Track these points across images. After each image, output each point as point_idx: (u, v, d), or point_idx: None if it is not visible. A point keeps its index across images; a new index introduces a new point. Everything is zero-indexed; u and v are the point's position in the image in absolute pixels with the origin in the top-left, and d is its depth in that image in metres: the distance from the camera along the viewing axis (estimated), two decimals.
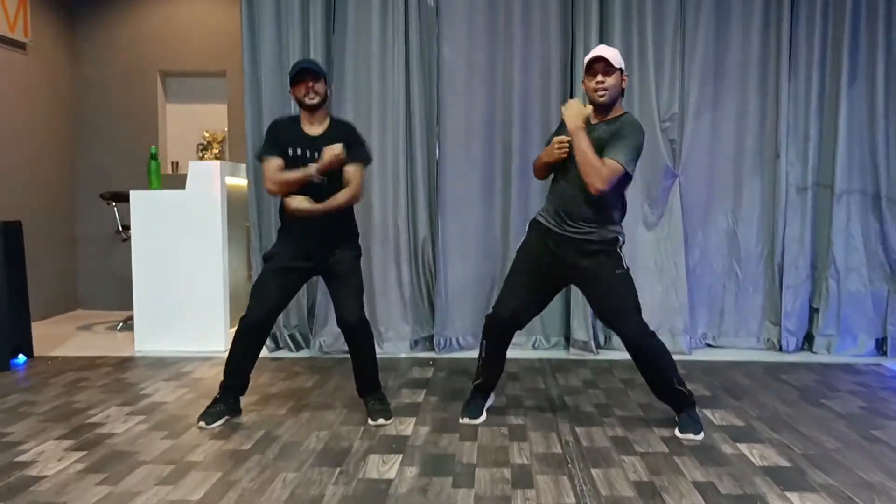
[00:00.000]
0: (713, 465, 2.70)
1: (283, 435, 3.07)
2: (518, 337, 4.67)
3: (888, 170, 4.55)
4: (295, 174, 3.16)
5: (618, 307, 3.04)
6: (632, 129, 2.99)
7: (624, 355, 4.46)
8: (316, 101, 3.17)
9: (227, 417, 3.26)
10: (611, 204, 3.05)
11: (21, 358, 4.42)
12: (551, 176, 3.19)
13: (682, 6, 4.58)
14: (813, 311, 4.67)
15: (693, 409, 3.10)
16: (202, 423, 3.19)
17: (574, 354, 4.57)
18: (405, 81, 4.65)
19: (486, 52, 4.66)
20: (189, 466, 2.73)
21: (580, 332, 4.60)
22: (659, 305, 4.58)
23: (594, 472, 2.65)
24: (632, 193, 4.55)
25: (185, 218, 4.69)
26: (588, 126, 2.99)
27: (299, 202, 3.15)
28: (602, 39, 4.58)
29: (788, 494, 2.44)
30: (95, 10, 6.43)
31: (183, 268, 4.67)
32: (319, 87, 3.17)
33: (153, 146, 5.16)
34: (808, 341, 4.68)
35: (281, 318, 4.71)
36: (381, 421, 3.20)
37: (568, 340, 4.69)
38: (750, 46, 4.62)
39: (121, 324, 5.63)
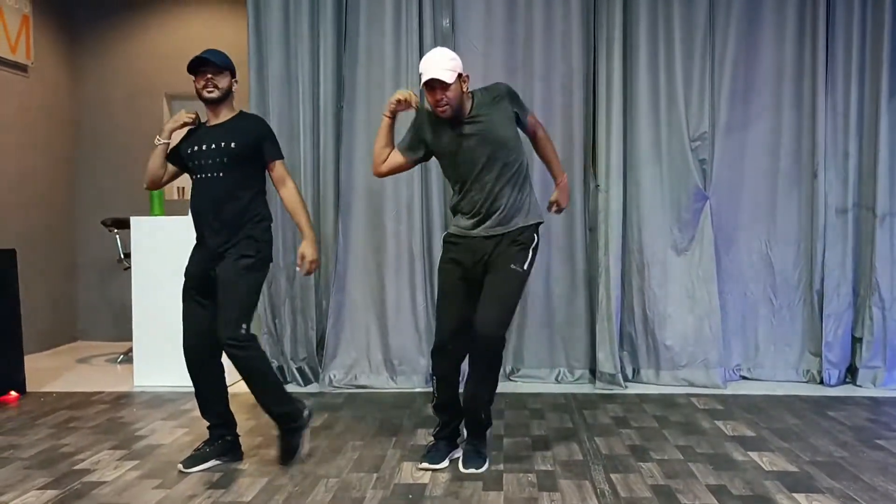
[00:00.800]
0: None
1: (286, 484, 2.79)
2: (540, 370, 4.45)
3: None
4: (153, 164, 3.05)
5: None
6: (494, 89, 2.95)
7: (654, 389, 4.22)
8: (215, 94, 2.93)
9: (214, 461, 2.99)
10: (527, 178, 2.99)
11: (13, 395, 4.17)
12: None
13: (711, 17, 4.34)
14: (856, 341, 4.36)
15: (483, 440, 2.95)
16: (180, 467, 2.93)
17: (601, 388, 4.26)
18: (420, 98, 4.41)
19: (504, 68, 4.43)
20: None
21: (607, 364, 4.30)
22: (691, 336, 4.29)
23: None
24: (660, 216, 4.34)
25: (189, 245, 4.43)
26: (454, 126, 2.87)
27: None
28: (626, 54, 4.36)
29: None
30: (99, 32, 6.27)
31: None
32: (222, 81, 2.93)
33: None
34: (850, 374, 4.37)
35: (288, 349, 4.46)
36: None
37: (593, 373, 4.39)
38: (783, 59, 4.37)
39: (121, 356, 5.37)
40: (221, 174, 2.92)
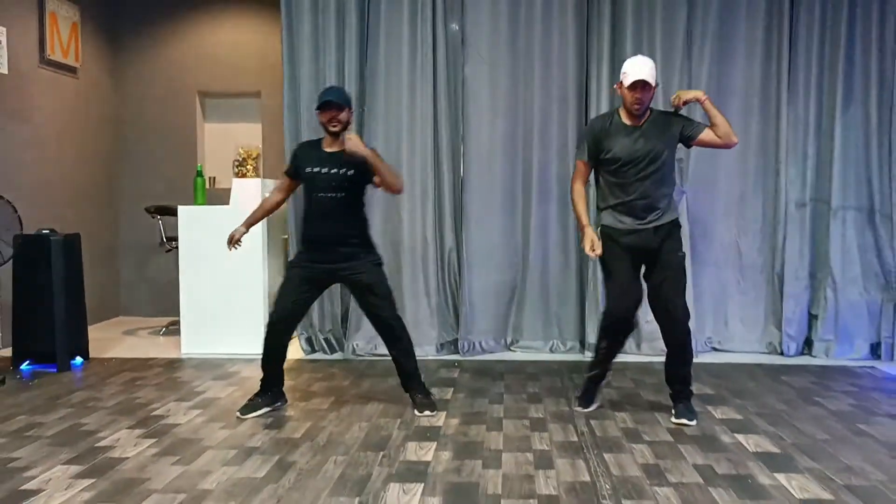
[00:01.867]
0: (712, 453, 3.04)
1: (327, 426, 3.44)
2: (536, 341, 5.09)
3: (881, 187, 4.88)
4: (253, 217, 3.82)
5: (675, 284, 3.42)
6: (677, 113, 3.50)
7: (634, 358, 4.86)
8: (338, 128, 3.52)
9: (266, 409, 3.64)
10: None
11: (78, 360, 4.82)
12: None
13: (688, 37, 4.95)
14: (812, 318, 5.00)
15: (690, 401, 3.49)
16: (238, 414, 3.58)
17: (589, 357, 4.90)
18: (433, 103, 5.03)
19: (508, 78, 5.04)
20: (248, 451, 3.10)
21: (594, 336, 4.93)
22: None
23: (608, 457, 2.99)
24: None
25: (229, 231, 5.07)
26: (620, 127, 3.42)
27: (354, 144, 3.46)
28: (613, 68, 4.95)
29: (776, 475, 2.78)
30: (138, 36, 6.87)
31: (226, 276, 5.06)
32: (343, 115, 3.52)
33: (199, 164, 5.56)
34: (808, 346, 5.00)
35: (316, 322, 5.11)
36: (426, 412, 3.57)
37: (583, 344, 5.04)
38: (752, 72, 4.97)
39: (163, 329, 6.03)
40: (342, 195, 3.53)
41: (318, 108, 3.55)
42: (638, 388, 4.14)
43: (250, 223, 3.82)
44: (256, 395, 3.71)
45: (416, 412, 3.60)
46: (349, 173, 3.52)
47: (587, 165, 3.53)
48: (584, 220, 3.51)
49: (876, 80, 4.86)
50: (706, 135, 3.45)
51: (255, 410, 3.63)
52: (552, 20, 5.00)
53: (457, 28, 5.08)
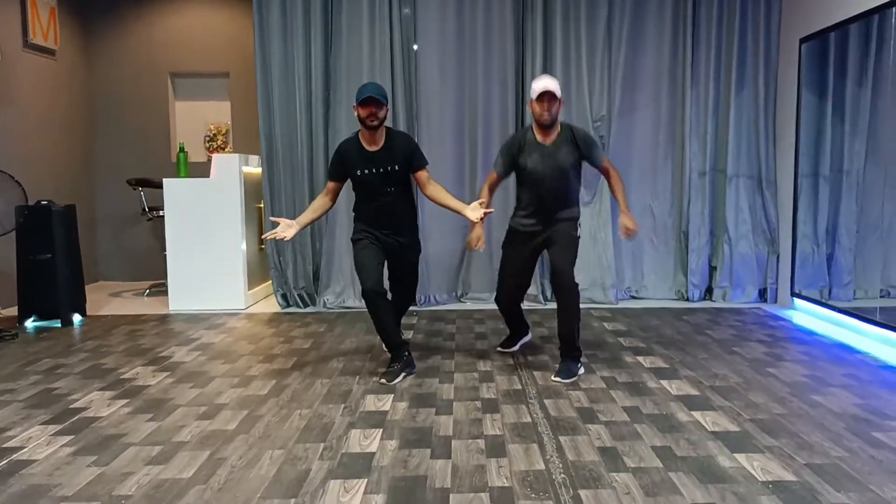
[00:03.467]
0: (616, 369, 3.91)
1: (310, 362, 4.20)
2: (481, 293, 5.91)
3: (766, 158, 5.81)
4: (303, 220, 3.84)
5: (567, 258, 3.87)
6: (586, 134, 3.91)
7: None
8: (376, 123, 3.66)
9: (405, 374, 3.79)
10: (577, 192, 4.03)
11: (78, 317, 5.44)
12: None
13: (608, 31, 5.76)
14: (712, 269, 5.94)
15: (576, 363, 3.86)
16: (383, 381, 3.69)
17: (526, 305, 5.74)
18: (391, 85, 5.74)
19: (455, 62, 5.77)
20: (249, 379, 3.84)
21: (532, 287, 5.79)
22: (593, 264, 5.80)
23: (536, 374, 3.83)
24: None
25: (210, 200, 5.74)
26: (533, 145, 3.82)
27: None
28: (546, 57, 5.75)
29: (663, 382, 3.66)
30: (111, 18, 7.35)
31: (208, 241, 5.72)
32: (382, 112, 3.66)
33: (181, 142, 6.17)
34: (709, 292, 5.95)
35: (291, 280, 5.83)
36: (383, 381, 3.71)
37: None
38: (662, 60, 5.82)
39: (147, 290, 6.65)
40: (391, 189, 3.76)
41: (359, 103, 3.61)
42: None
43: (303, 224, 3.82)
44: (392, 362, 3.82)
45: (383, 380, 3.75)
46: (396, 168, 3.73)
47: (498, 178, 4.00)
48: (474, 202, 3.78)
49: (762, 68, 5.75)
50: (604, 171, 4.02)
51: (396, 376, 3.72)
52: (492, 9, 5.74)
53: (409, 12, 5.77)
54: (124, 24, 7.36)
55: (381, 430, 3.04)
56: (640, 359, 4.12)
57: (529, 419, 3.15)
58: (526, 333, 4.42)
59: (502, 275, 4.10)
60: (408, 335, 4.80)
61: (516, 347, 4.38)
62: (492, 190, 4.08)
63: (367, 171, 3.76)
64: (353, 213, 3.96)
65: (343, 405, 3.37)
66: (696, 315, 5.38)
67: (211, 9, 7.37)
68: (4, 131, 6.02)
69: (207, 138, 7.55)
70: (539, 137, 3.84)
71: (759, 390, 3.51)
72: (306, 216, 3.88)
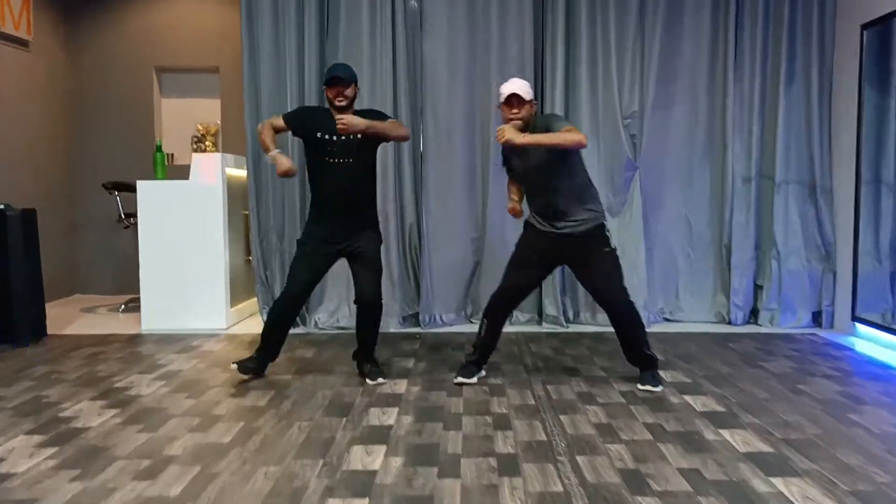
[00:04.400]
0: (662, 412, 3.21)
1: (292, 394, 3.52)
2: None
3: (821, 162, 5.10)
4: (267, 141, 3.58)
5: (609, 277, 3.56)
6: (551, 115, 3.73)
7: (590, 328, 5.03)
8: (345, 103, 3.58)
9: (251, 375, 3.75)
10: (585, 190, 3.58)
11: (36, 336, 4.78)
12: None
13: (640, 17, 5.08)
14: (757, 288, 5.22)
15: (656, 370, 3.63)
16: (234, 366, 3.73)
17: (546, 328, 5.07)
18: (392, 78, 5.08)
19: (467, 53, 5.12)
20: (214, 419, 3.16)
21: (551, 307, 5.11)
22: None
23: (563, 419, 3.13)
24: (597, 183, 5.10)
25: (189, 206, 5.08)
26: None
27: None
28: (568, 46, 5.08)
29: (721, 431, 2.95)
30: (93, 8, 6.75)
31: (186, 252, 5.06)
32: (349, 91, 3.59)
33: (158, 139, 5.53)
34: (753, 315, 5.23)
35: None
36: (379, 380, 3.66)
37: (540, 315, 5.18)
38: (700, 53, 5.14)
39: (122, 306, 6.00)
40: (351, 160, 3.56)
41: (326, 83, 3.60)
42: (593, 354, 4.30)
43: (273, 144, 3.61)
44: (253, 358, 3.78)
45: (367, 381, 3.69)
46: (359, 137, 3.54)
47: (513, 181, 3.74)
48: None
49: (816, 60, 5.06)
50: None
51: (246, 372, 3.73)
52: (508, 3, 5.08)
53: (416, 4, 5.12)
54: (107, 14, 6.76)
55: (368, 500, 2.35)
56: (689, 399, 3.41)
57: (560, 487, 2.45)
58: (486, 362, 3.81)
59: (507, 269, 3.72)
60: (408, 364, 4.10)
61: (474, 380, 3.69)
62: (517, 188, 3.75)
63: (327, 137, 3.57)
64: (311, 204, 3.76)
65: (321, 461, 2.68)
66: (742, 342, 4.66)
67: (200, 0, 6.77)
68: None
69: (195, 139, 6.91)
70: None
71: (847, 446, 2.79)
72: (270, 135, 3.63)
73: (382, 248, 5.04)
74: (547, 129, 3.43)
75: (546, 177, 3.51)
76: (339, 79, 3.57)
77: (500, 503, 2.29)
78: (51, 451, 2.78)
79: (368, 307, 3.69)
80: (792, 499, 2.32)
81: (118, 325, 5.36)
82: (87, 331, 5.14)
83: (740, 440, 2.85)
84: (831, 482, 2.45)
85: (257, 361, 3.78)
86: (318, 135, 3.60)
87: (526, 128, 3.47)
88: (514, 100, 3.45)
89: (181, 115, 6.93)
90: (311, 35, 5.07)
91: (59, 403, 3.38)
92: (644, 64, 5.12)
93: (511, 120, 3.44)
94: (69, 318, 5.64)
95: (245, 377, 3.74)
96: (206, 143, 6.90)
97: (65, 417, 3.17)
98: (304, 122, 3.67)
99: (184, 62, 6.78)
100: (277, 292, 5.11)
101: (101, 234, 6.84)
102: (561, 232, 3.53)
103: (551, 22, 5.08)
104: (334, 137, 3.57)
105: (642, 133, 5.13)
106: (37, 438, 2.91)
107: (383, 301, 4.87)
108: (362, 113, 3.65)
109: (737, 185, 5.16)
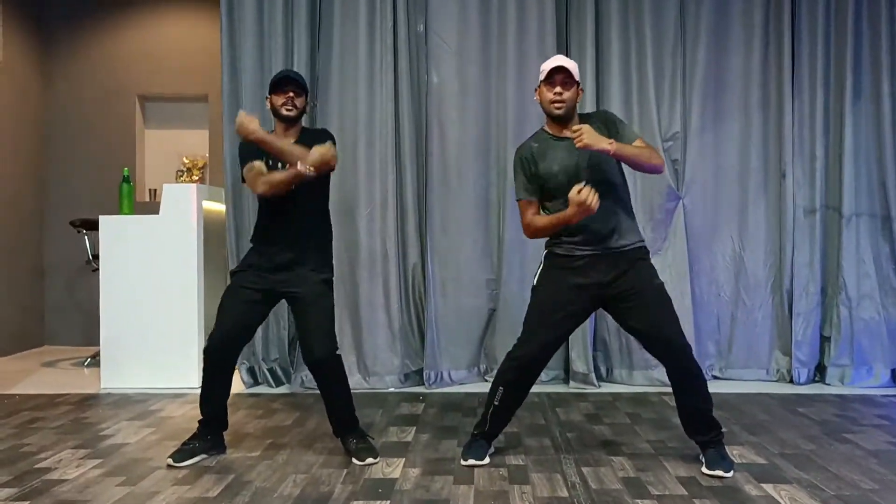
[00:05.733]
0: None
1: (255, 479, 2.75)
2: None
3: None
4: (284, 173, 2.87)
5: (665, 319, 2.79)
6: (609, 114, 2.97)
7: (627, 388, 4.24)
8: (293, 113, 2.99)
9: (203, 456, 2.97)
10: (629, 204, 2.91)
11: None
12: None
13: (681, 21, 4.41)
14: (824, 340, 4.41)
15: (722, 445, 2.82)
16: (170, 461, 2.90)
17: (574, 388, 4.27)
18: (394, 102, 4.42)
19: (479, 71, 4.45)
20: None
21: (580, 363, 4.32)
22: None
23: None
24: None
25: (159, 245, 4.39)
26: (547, 141, 2.86)
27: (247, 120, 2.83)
28: (598, 58, 4.41)
29: None
30: (70, 30, 6.20)
31: (155, 298, 4.35)
32: (300, 101, 3.00)
33: (125, 168, 4.87)
34: (819, 372, 4.42)
35: (260, 351, 4.42)
36: (368, 460, 2.89)
37: (567, 373, 4.40)
38: (751, 63, 4.44)
39: (88, 359, 5.29)
40: (297, 194, 2.91)
41: (272, 89, 3.00)
42: (634, 423, 3.50)
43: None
44: (193, 437, 3.03)
45: (354, 460, 2.92)
46: (311, 170, 2.85)
47: (532, 203, 2.88)
48: (559, 215, 2.77)
49: (888, 72, 4.35)
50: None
51: (191, 457, 2.94)
52: (527, 6, 4.43)
53: (422, 29, 4.48)
54: (87, 37, 6.20)
55: None
56: (769, 489, 2.59)
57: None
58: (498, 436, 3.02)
59: (532, 322, 2.87)
60: (407, 435, 3.32)
61: (486, 460, 2.90)
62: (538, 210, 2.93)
63: (271, 163, 2.93)
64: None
65: None
66: (815, 407, 3.83)
67: (188, 23, 6.20)
68: None
69: (181, 173, 6.27)
70: (555, 132, 2.87)
71: None
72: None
73: (381, 293, 4.37)
74: (614, 127, 2.84)
75: (608, 188, 2.76)
76: (289, 79, 2.99)
77: None
78: None
79: (317, 367, 2.95)
80: None
81: (76, 382, 4.63)
82: (38, 389, 4.42)
83: None
84: None
85: (201, 437, 3.01)
86: (270, 162, 2.95)
87: (569, 118, 2.83)
88: (558, 75, 2.76)
89: (165, 147, 6.31)
90: (300, 53, 4.42)
91: None
92: (686, 77, 4.41)
93: (553, 102, 2.79)
94: (23, 373, 4.93)
95: (194, 462, 2.95)
96: (193, 176, 6.26)
97: None
98: (259, 151, 2.96)
99: (169, 90, 6.19)
100: (259, 346, 4.41)
101: (72, 278, 6.17)
102: (615, 248, 2.79)
103: (577, 31, 4.41)
104: (279, 164, 2.93)
105: (685, 158, 4.41)
106: None
107: (381, 355, 4.12)
108: (309, 133, 3.09)
109: (798, 219, 4.39)
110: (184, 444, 2.99)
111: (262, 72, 4.45)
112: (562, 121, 2.84)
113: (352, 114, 4.40)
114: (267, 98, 3.04)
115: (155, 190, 6.22)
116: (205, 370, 3.00)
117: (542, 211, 2.90)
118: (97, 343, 5.74)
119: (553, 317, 2.83)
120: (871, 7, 4.38)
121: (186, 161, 6.27)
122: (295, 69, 4.38)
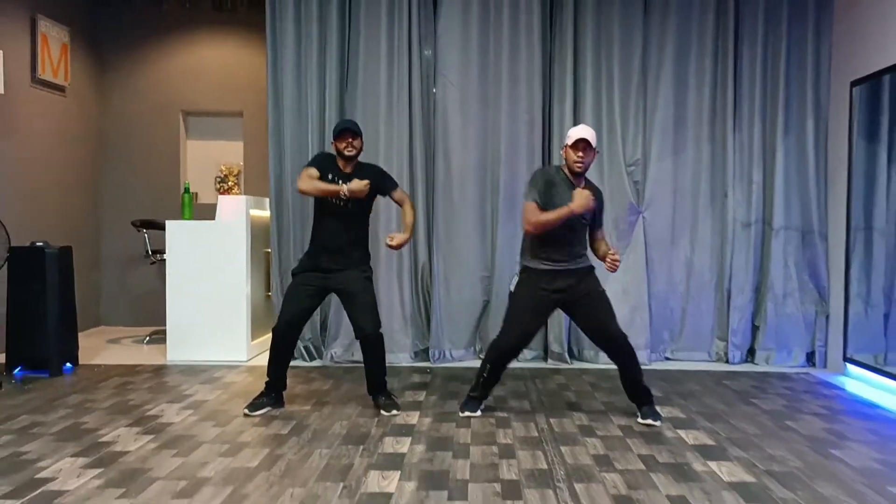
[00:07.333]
0: (655, 445, 3.43)
1: (312, 424, 3.76)
2: None
3: (818, 210, 5.35)
4: (325, 184, 3.89)
5: (607, 315, 3.85)
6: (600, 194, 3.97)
7: (593, 365, 5.26)
8: (353, 153, 3.97)
9: (268, 408, 3.97)
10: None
11: (68, 366, 5.06)
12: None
13: (643, 68, 5.40)
14: (755, 329, 5.44)
15: (652, 405, 3.86)
16: (246, 411, 3.91)
17: (551, 364, 5.31)
18: (408, 124, 5.40)
19: (478, 102, 5.43)
20: (240, 447, 3.41)
21: (556, 345, 5.35)
22: (625, 324, 5.28)
23: (563, 449, 3.36)
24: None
25: (214, 244, 5.39)
26: (564, 185, 3.80)
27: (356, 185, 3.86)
28: (576, 98, 5.40)
29: (711, 464, 3.17)
30: (124, 54, 7.14)
31: (211, 287, 5.34)
32: (357, 143, 3.97)
33: (186, 182, 5.85)
34: (750, 354, 5.44)
35: None
36: (393, 412, 3.91)
37: (546, 352, 5.42)
38: (702, 103, 5.43)
39: (147, 337, 6.27)
40: (350, 205, 3.92)
41: (336, 136, 3.96)
42: (594, 390, 4.53)
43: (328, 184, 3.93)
44: (261, 394, 4.02)
45: (382, 412, 3.93)
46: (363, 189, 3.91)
47: (539, 206, 3.74)
48: (561, 210, 3.66)
49: (812, 111, 5.34)
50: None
51: (260, 409, 3.95)
52: (519, 49, 5.40)
53: (429, 53, 5.47)
54: (138, 60, 7.16)
55: None
56: (682, 433, 3.63)
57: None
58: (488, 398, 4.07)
59: (514, 318, 3.90)
60: (419, 396, 4.35)
61: (478, 413, 3.94)
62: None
63: (338, 181, 3.92)
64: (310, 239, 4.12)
65: (342, 483, 2.92)
66: (738, 380, 4.87)
67: (226, 47, 7.16)
68: (6, 167, 5.75)
69: (218, 179, 7.26)
70: (571, 178, 3.84)
71: (827, 479, 3.00)
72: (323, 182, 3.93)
73: (396, 286, 5.39)
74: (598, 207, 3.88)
75: (584, 228, 3.84)
76: (348, 130, 3.94)
77: None
78: (95, 472, 3.03)
79: (369, 341, 3.95)
80: None
81: (143, 355, 5.63)
82: (115, 361, 5.41)
83: (726, 471, 3.07)
84: None
85: (268, 394, 4.01)
86: (330, 176, 3.95)
87: (584, 174, 3.83)
88: (582, 144, 3.72)
89: (205, 157, 7.28)
90: (331, 86, 5.40)
91: (97, 430, 3.64)
92: (647, 114, 5.42)
93: (577, 163, 3.74)
94: (97, 348, 5.92)
95: (263, 412, 3.95)
96: (229, 182, 7.24)
97: (104, 442, 3.43)
98: (321, 165, 4.02)
99: (209, 106, 7.15)
100: None
101: (124, 269, 7.15)
102: (576, 266, 3.81)
103: (559, 74, 5.40)
104: (339, 181, 3.92)
105: (646, 180, 5.41)
106: (81, 461, 3.17)
107: (396, 336, 5.12)
108: (366, 168, 4.05)
109: (737, 231, 5.41)
110: (254, 399, 4.01)
111: (299, 102, 5.43)
112: (578, 175, 3.82)
113: (373, 140, 5.39)
114: (332, 143, 4.00)
115: (197, 193, 7.19)
116: (273, 345, 4.01)
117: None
118: (145, 324, 6.80)
119: (526, 315, 3.87)
120: (799, 57, 5.37)
121: (224, 169, 7.25)
122: (327, 101, 5.38)
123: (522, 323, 3.87)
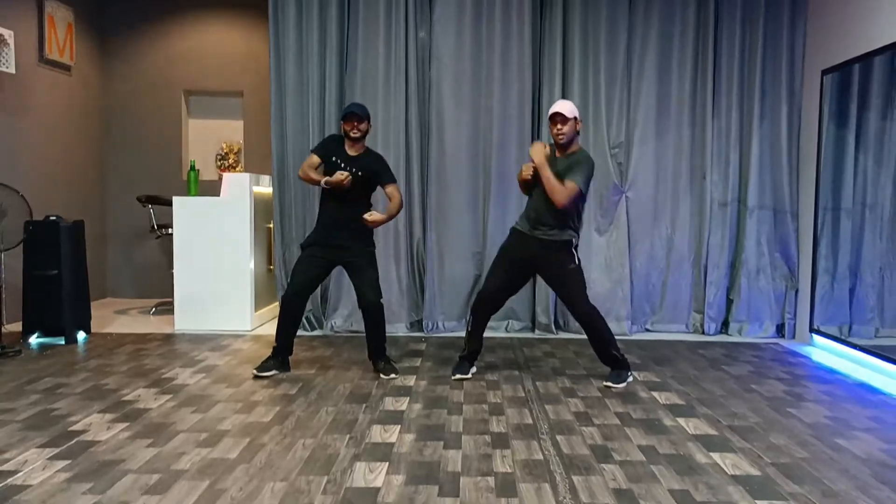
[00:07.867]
0: (631, 404, 3.78)
1: (317, 385, 4.09)
2: (494, 321, 5.78)
3: (790, 191, 5.69)
4: (312, 176, 4.23)
5: (570, 293, 4.11)
6: (585, 160, 4.12)
7: (578, 335, 5.60)
8: (358, 135, 4.27)
9: (275, 371, 4.29)
10: (568, 214, 4.11)
11: (82, 334, 5.36)
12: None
13: (628, 59, 5.69)
14: (729, 302, 5.80)
15: (620, 369, 4.18)
16: (255, 372, 4.24)
17: (538, 334, 5.65)
18: (404, 104, 5.67)
19: (471, 85, 5.71)
20: (253, 405, 3.73)
21: (543, 316, 5.69)
22: (607, 296, 5.67)
23: (547, 407, 3.71)
24: (587, 205, 5.70)
25: (219, 220, 5.67)
26: (552, 160, 4.08)
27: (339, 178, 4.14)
28: (564, 83, 5.68)
29: (679, 420, 3.53)
30: (127, 34, 7.35)
31: (216, 260, 5.64)
32: (363, 126, 4.26)
33: (192, 160, 6.12)
34: (724, 326, 5.81)
35: None
36: (392, 376, 4.24)
37: (534, 323, 5.76)
38: (683, 89, 5.73)
39: (153, 308, 6.57)
40: (354, 188, 4.20)
41: (343, 118, 4.27)
42: (577, 357, 4.88)
43: (319, 176, 4.23)
44: (269, 358, 4.33)
45: (381, 376, 4.27)
46: (359, 174, 4.23)
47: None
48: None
49: (786, 99, 5.65)
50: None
51: (268, 371, 4.26)
52: (511, 35, 5.66)
53: (424, 35, 5.72)
54: (140, 41, 7.37)
55: (388, 463, 2.92)
56: (655, 394, 3.98)
57: (541, 456, 3.02)
58: (476, 357, 4.40)
59: (491, 269, 4.36)
60: (415, 362, 4.68)
61: (469, 375, 4.28)
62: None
63: (341, 164, 4.22)
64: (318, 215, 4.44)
65: (348, 435, 3.26)
66: (711, 349, 5.23)
67: (227, 27, 7.37)
68: (18, 144, 5.99)
69: (219, 156, 7.52)
70: (557, 152, 4.13)
71: (780, 431, 3.37)
72: (316, 174, 4.26)
73: (392, 260, 5.70)
74: (570, 167, 4.03)
75: (544, 192, 4.05)
76: (354, 114, 4.24)
77: (493, 468, 2.86)
78: (123, 425, 3.35)
79: (370, 309, 4.26)
80: (722, 464, 2.89)
81: (152, 325, 5.93)
82: (126, 329, 5.72)
83: (692, 426, 3.43)
84: (759, 457, 3.02)
85: (275, 358, 4.32)
86: (334, 158, 4.27)
87: (570, 144, 4.09)
88: (557, 118, 4.03)
89: (206, 135, 7.53)
90: (331, 68, 5.67)
91: (118, 390, 3.95)
92: (631, 100, 5.71)
93: (557, 135, 4.04)
94: (107, 318, 6.22)
95: (270, 374, 4.28)
96: (230, 160, 7.50)
97: (128, 401, 3.75)
98: (326, 148, 4.35)
99: (210, 86, 7.39)
100: None
101: (129, 243, 7.42)
102: (535, 237, 4.10)
103: (548, 59, 5.68)
104: (342, 164, 4.23)
105: (629, 161, 5.73)
106: (109, 416, 3.49)
107: (393, 307, 5.43)
108: (371, 155, 4.38)
109: (714, 210, 5.74)
110: (263, 362, 4.32)
111: (301, 83, 5.69)
112: (562, 147, 4.10)
113: (371, 120, 5.65)
114: (341, 121, 4.32)
115: (199, 170, 7.44)
116: (281, 312, 4.32)
117: (527, 192, 4.23)
118: (150, 296, 7.08)
119: (503, 266, 4.23)
120: (775, 47, 5.67)
121: (224, 147, 7.50)
122: (327, 83, 5.65)
123: (496, 273, 4.28)
